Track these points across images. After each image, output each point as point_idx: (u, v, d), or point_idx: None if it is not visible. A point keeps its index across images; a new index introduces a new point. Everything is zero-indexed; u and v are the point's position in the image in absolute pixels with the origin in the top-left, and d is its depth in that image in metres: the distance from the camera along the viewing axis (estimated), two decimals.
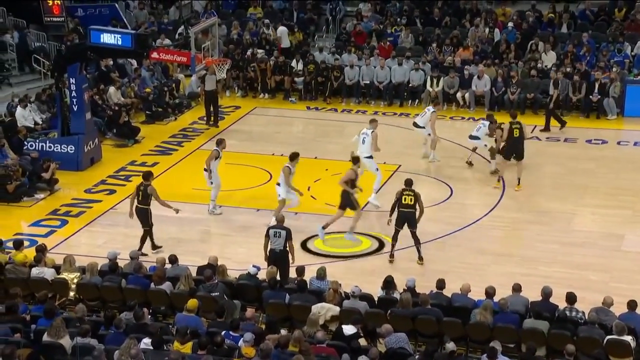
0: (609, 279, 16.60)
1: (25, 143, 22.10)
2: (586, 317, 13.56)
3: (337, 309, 13.93)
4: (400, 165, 21.83)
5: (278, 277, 14.86)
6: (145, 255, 17.07)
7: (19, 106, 23.64)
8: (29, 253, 15.89)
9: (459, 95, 26.79)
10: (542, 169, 21.96)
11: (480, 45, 28.82)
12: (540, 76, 26.55)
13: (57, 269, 15.38)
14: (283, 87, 28.16)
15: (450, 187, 20.94)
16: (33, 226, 19.21)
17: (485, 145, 21.83)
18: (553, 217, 19.39)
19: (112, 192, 20.91)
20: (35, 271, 15.19)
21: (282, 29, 30.14)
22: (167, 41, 28.07)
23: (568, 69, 26.47)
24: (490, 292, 14.13)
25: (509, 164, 20.81)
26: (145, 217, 17.51)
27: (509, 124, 20.62)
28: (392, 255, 17.33)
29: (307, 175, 21.09)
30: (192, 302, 13.58)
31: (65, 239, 18.56)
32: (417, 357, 12.49)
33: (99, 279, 15.01)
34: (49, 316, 13.01)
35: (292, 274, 15.45)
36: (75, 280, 15.00)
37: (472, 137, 21.89)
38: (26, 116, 23.55)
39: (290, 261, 15.88)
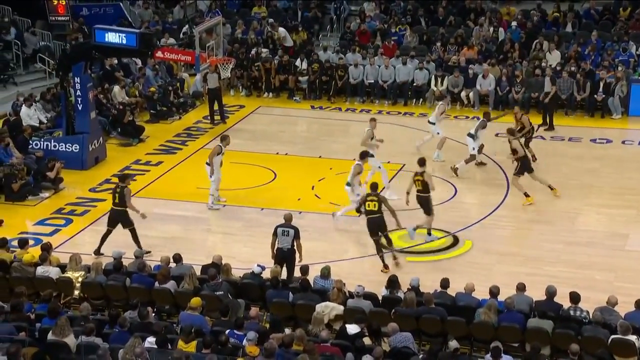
0: (613, 278, 16.58)
1: (30, 142, 22.14)
2: (590, 317, 13.53)
3: (341, 308, 13.94)
4: (404, 164, 21.79)
5: (282, 277, 14.87)
6: (149, 252, 17.07)
7: (24, 105, 23.70)
8: (36, 252, 15.91)
9: (463, 94, 26.75)
10: (546, 169, 21.89)
11: (484, 45, 28.77)
12: (545, 75, 26.50)
13: (62, 267, 15.41)
14: (287, 86, 28.14)
15: (455, 187, 20.93)
16: (38, 225, 19.23)
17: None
18: (557, 216, 19.35)
19: None
20: (40, 270, 15.22)
21: (281, 30, 30.08)
22: (172, 40, 28.15)
23: (573, 68, 26.44)
24: (494, 292, 14.14)
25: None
26: (124, 218, 17.41)
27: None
28: (386, 267, 16.80)
29: (312, 174, 21.06)
30: (196, 300, 13.60)
31: (70, 238, 18.60)
32: (421, 356, 12.49)
33: (103, 278, 15.04)
34: (53, 316, 13.05)
35: (297, 273, 15.47)
36: (80, 279, 15.03)
37: (469, 135, 21.66)
38: (31, 115, 23.61)
39: (297, 260, 15.85)
